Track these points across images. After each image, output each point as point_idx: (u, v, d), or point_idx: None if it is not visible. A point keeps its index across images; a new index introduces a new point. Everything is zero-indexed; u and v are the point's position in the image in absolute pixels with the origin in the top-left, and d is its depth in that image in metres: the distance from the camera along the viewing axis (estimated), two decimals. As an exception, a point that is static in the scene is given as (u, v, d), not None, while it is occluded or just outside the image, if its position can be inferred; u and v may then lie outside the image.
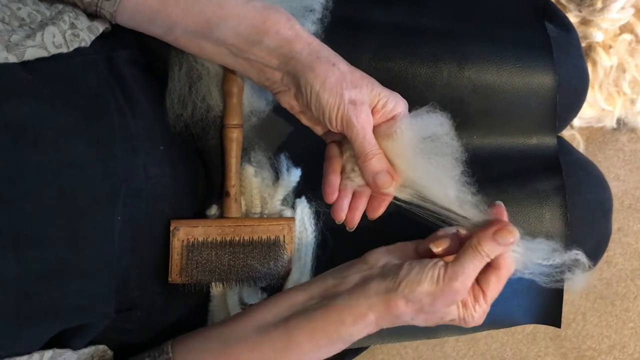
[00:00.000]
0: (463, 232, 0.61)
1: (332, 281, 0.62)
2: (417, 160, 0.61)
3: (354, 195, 0.64)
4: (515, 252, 0.59)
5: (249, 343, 0.60)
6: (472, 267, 0.57)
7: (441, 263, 0.58)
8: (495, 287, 0.59)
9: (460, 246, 0.60)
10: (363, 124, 0.59)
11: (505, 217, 0.60)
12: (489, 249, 0.57)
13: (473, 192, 0.61)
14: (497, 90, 0.75)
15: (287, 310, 0.61)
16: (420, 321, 0.60)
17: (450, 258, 0.60)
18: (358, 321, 0.59)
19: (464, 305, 0.60)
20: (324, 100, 0.59)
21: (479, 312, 0.60)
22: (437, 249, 0.61)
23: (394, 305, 0.58)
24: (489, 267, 0.59)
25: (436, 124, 0.62)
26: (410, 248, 0.64)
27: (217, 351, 0.61)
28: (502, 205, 0.61)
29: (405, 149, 0.61)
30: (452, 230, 0.62)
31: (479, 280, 0.59)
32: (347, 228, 0.64)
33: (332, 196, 0.63)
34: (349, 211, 0.63)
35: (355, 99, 0.59)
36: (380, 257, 0.63)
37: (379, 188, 0.61)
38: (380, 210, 0.64)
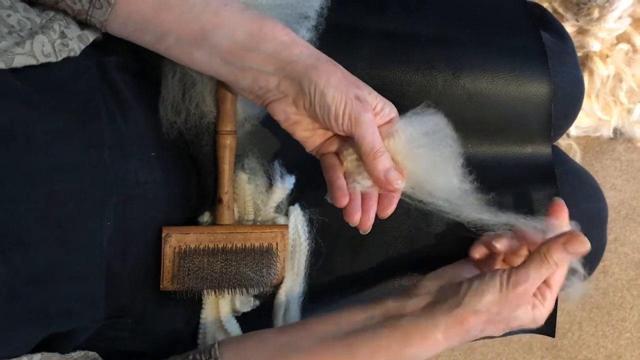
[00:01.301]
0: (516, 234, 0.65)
1: (393, 304, 0.63)
2: (420, 154, 0.61)
3: (364, 198, 0.63)
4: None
5: (309, 352, 0.60)
6: (538, 275, 0.61)
7: (501, 271, 0.61)
8: (559, 279, 0.63)
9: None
10: (370, 120, 0.59)
11: (566, 213, 0.65)
12: (558, 258, 0.61)
13: (471, 180, 0.64)
14: (492, 98, 0.75)
15: (347, 326, 0.62)
16: (489, 332, 0.62)
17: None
18: (425, 342, 0.60)
19: (534, 307, 0.62)
20: (330, 97, 0.58)
21: (547, 307, 0.63)
22: (499, 244, 0.65)
23: (464, 319, 0.60)
24: None
25: (433, 119, 0.63)
26: (455, 270, 0.67)
27: (274, 357, 0.61)
28: (562, 201, 0.66)
29: (407, 145, 0.61)
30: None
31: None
32: (361, 231, 0.63)
33: (344, 199, 0.61)
34: (362, 214, 0.62)
35: (360, 95, 0.59)
36: (431, 283, 0.65)
37: (391, 184, 0.60)
38: (391, 209, 0.63)
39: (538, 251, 0.61)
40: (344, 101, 0.58)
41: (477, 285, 0.61)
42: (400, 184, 0.61)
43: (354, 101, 0.59)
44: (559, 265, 0.61)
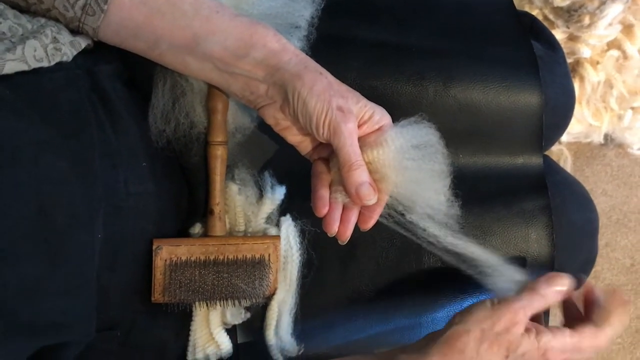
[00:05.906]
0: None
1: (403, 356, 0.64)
2: (408, 167, 0.61)
3: (345, 208, 0.63)
4: None
5: None
6: (527, 299, 0.61)
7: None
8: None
9: None
10: (350, 132, 0.59)
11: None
12: (543, 289, 0.62)
13: (457, 205, 0.64)
14: (483, 109, 0.75)
15: None
16: (488, 354, 0.60)
17: None
18: None
19: (527, 330, 0.61)
20: (311, 107, 0.58)
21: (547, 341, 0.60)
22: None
23: (455, 339, 0.59)
24: None
25: (425, 133, 0.62)
26: None
27: None
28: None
29: (396, 156, 0.60)
30: None
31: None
32: (339, 241, 0.63)
33: (323, 209, 0.62)
34: (341, 224, 0.63)
35: (343, 106, 0.59)
36: None
37: (362, 200, 0.60)
38: (371, 222, 0.63)
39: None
40: (324, 111, 0.58)
41: (467, 309, 0.62)
42: (371, 201, 0.60)
43: (335, 111, 0.58)
44: (545, 297, 0.62)
